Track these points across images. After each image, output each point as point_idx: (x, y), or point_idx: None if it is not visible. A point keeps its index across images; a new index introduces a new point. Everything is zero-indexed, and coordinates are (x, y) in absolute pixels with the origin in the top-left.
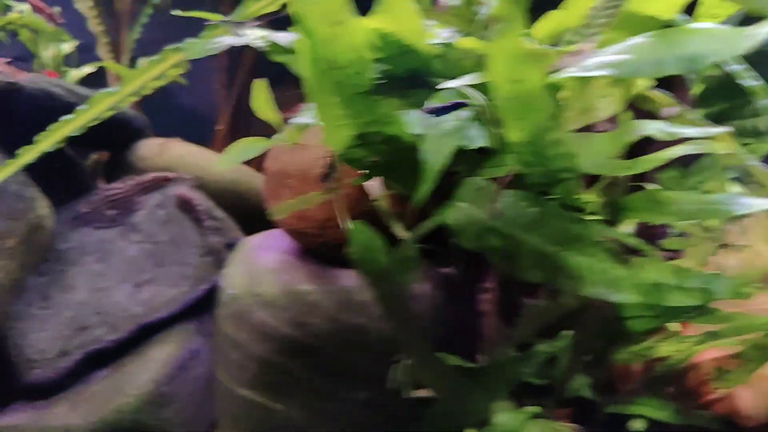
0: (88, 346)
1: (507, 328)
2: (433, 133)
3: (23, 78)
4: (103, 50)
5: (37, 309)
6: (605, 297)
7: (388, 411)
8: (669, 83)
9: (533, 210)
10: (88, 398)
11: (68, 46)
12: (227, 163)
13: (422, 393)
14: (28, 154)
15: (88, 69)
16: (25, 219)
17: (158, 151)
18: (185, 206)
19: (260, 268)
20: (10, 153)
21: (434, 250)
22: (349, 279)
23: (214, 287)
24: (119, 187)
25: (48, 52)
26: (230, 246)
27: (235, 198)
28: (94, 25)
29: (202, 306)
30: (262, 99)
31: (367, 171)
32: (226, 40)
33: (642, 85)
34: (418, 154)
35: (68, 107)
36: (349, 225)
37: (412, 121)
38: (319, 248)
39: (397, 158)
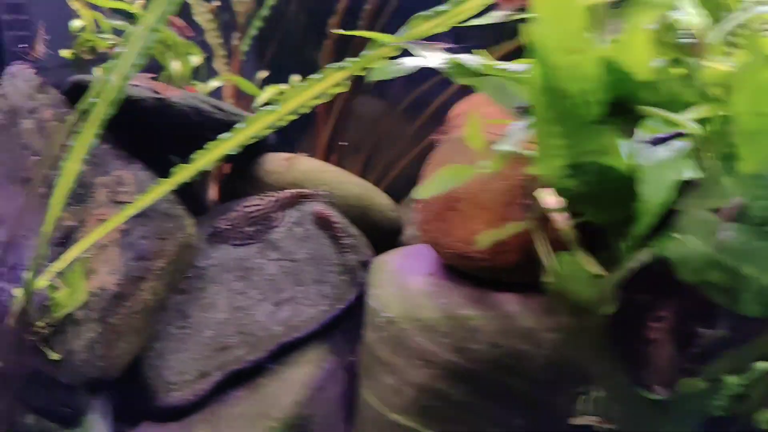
0: (227, 366)
1: (690, 358)
2: (654, 165)
3: (173, 94)
4: (219, 63)
5: (176, 328)
6: None
7: None
8: None
9: (759, 244)
10: (229, 421)
11: (197, 60)
12: (430, 192)
13: (585, 420)
14: (184, 173)
15: (215, 83)
16: (175, 238)
17: (286, 165)
18: (323, 223)
19: (415, 291)
20: (158, 168)
21: None
22: (510, 304)
23: (350, 306)
24: (258, 203)
25: (177, 66)
26: (363, 264)
27: (359, 213)
28: (212, 38)
29: (333, 324)
30: (476, 130)
31: (569, 200)
32: (409, 61)
33: None
34: (635, 185)
35: (216, 124)
36: (549, 254)
37: (629, 152)
38: (482, 272)
39: (607, 189)
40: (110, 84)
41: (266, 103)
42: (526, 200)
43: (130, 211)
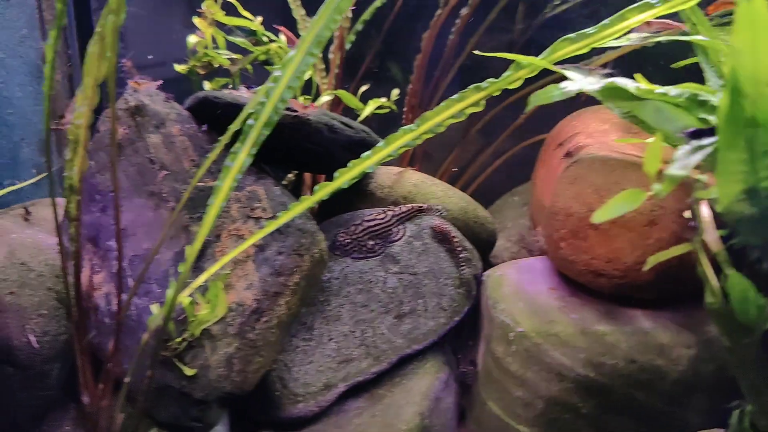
0: (351, 378)
1: None
2: None
3: (309, 111)
4: (318, 77)
5: (301, 341)
6: None
7: None
8: None
9: None
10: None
11: (308, 74)
12: (607, 216)
13: None
14: (326, 189)
15: (326, 98)
16: (310, 254)
17: (396, 179)
18: (441, 237)
19: (545, 306)
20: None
21: None
22: (643, 320)
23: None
24: (379, 217)
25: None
26: (477, 277)
27: (462, 225)
28: None
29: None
30: (654, 154)
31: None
32: (571, 85)
33: None
34: None
35: (346, 140)
36: (712, 275)
37: None
38: (613, 289)
39: None
40: (267, 105)
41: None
42: (691, 222)
43: (272, 227)
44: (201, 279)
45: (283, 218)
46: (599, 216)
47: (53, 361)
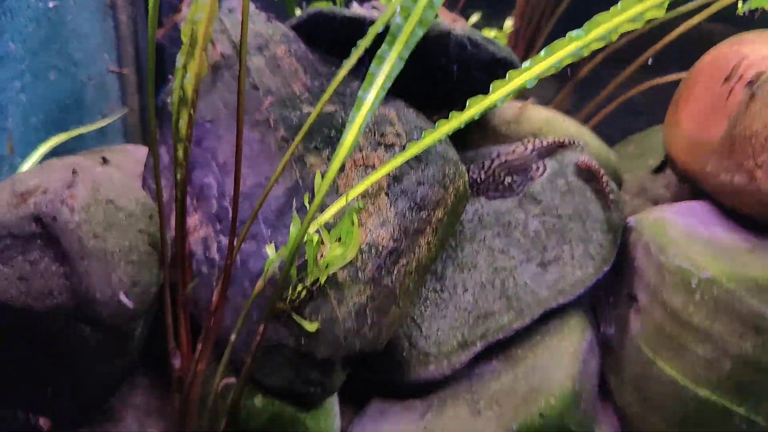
0: (492, 335)
1: None
2: None
3: (458, 25)
4: None
5: (432, 292)
6: None
7: None
8: None
9: None
10: (493, 398)
11: None
12: None
13: None
14: (472, 110)
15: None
16: (454, 185)
17: (520, 114)
18: (588, 176)
19: (732, 248)
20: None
21: None
22: None
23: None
24: (515, 151)
25: None
26: (625, 222)
27: None
28: None
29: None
30: None
31: None
32: None
33: None
34: None
35: (490, 59)
36: None
37: None
38: None
39: None
40: (412, 15)
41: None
42: None
43: (414, 150)
44: (327, 214)
45: (426, 141)
46: None
47: (138, 318)
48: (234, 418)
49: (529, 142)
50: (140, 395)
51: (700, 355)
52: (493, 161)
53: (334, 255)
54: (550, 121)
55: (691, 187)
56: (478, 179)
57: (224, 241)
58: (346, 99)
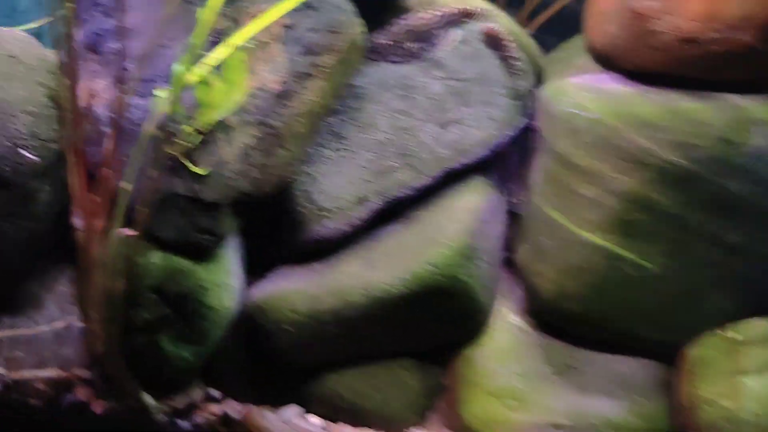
0: (389, 192)
1: None
2: None
3: None
4: None
5: (331, 150)
6: None
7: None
8: None
9: None
10: (388, 253)
11: None
12: None
13: None
14: None
15: None
16: (346, 33)
17: None
18: (494, 42)
19: (620, 91)
20: None
21: None
22: (739, 98)
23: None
24: (421, 18)
25: None
26: (532, 93)
27: None
28: None
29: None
30: None
31: None
32: None
33: None
34: None
35: None
36: None
37: None
38: (713, 62)
39: None
40: None
41: None
42: None
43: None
44: (215, 59)
45: None
46: None
47: (42, 177)
48: (132, 275)
49: (435, 9)
50: (63, 284)
51: (586, 197)
52: (398, 26)
53: (220, 95)
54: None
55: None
56: (384, 44)
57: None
58: None
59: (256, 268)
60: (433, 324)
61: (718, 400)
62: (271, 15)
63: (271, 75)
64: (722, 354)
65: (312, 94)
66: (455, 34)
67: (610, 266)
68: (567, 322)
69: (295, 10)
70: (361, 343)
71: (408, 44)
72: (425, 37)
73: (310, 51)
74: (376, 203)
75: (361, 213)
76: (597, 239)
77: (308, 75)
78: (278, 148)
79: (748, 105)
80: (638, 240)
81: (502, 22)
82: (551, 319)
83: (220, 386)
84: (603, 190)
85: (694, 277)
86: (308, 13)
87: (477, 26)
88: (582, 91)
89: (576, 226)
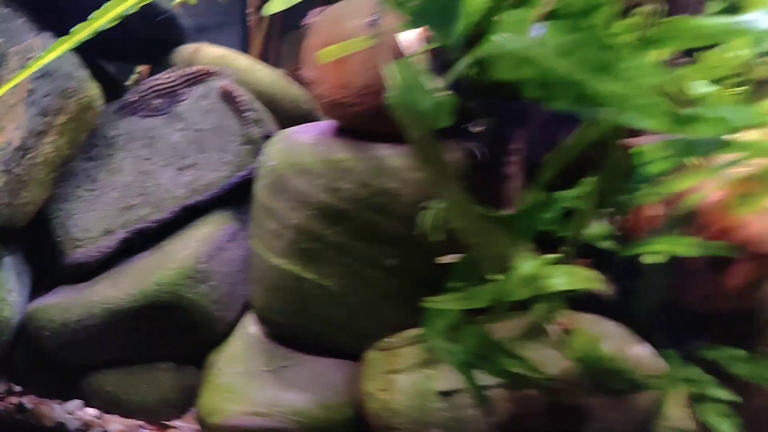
0: (132, 224)
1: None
2: None
3: None
4: None
5: (84, 191)
6: (635, 124)
7: (416, 277)
8: None
9: (567, 38)
10: (130, 274)
11: None
12: (276, 8)
13: (448, 259)
14: (84, 32)
15: None
16: (77, 97)
17: (193, 54)
18: (227, 97)
19: (299, 142)
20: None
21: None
22: (382, 149)
23: (253, 175)
24: (165, 77)
25: None
26: (268, 137)
27: (269, 101)
28: None
29: (240, 194)
30: None
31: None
32: None
33: None
34: None
35: None
36: (390, 67)
37: None
38: (357, 119)
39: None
40: None
41: None
42: (372, 19)
43: (33, 67)
44: None
45: (43, 59)
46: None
47: None
48: None
49: (178, 70)
50: None
51: (270, 229)
52: (144, 86)
53: None
54: (223, 58)
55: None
56: (132, 100)
57: None
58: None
59: (41, 286)
60: (171, 333)
61: (378, 394)
62: (14, 81)
63: (16, 131)
64: (383, 356)
65: (48, 147)
66: (195, 91)
67: (298, 286)
68: (277, 330)
69: (36, 77)
70: (116, 347)
71: (154, 100)
72: (169, 93)
73: (46, 112)
74: (121, 234)
75: (109, 242)
76: (284, 264)
77: (44, 132)
78: (22, 191)
79: (387, 154)
80: (316, 264)
81: (266, 79)
82: (267, 328)
83: (22, 382)
84: (281, 224)
85: (366, 294)
86: (45, 80)
87: (215, 84)
88: (277, 144)
89: (269, 254)
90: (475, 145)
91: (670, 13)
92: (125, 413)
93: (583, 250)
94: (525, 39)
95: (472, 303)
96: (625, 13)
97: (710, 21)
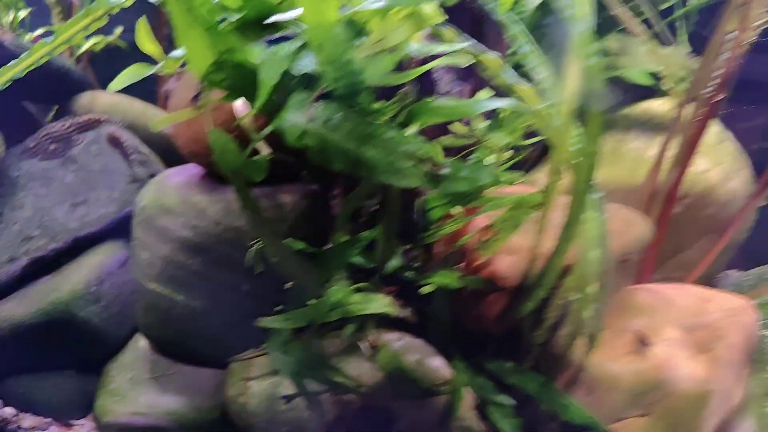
0: (32, 253)
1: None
2: (269, 59)
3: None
4: (56, 18)
5: None
6: (395, 183)
7: (267, 300)
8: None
9: (338, 115)
10: (31, 296)
11: (23, 13)
12: (118, 86)
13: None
14: None
15: (39, 32)
16: None
17: (90, 100)
18: (114, 142)
19: (166, 185)
20: None
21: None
22: (231, 192)
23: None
24: (60, 125)
25: (7, 18)
26: (153, 176)
27: (163, 141)
28: None
29: (128, 227)
30: (144, 35)
31: (227, 92)
32: None
33: (432, 21)
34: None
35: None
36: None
37: (256, 51)
38: (210, 167)
39: (246, 80)
40: None
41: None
42: (196, 93)
43: None
44: None
45: None
46: (113, 85)
47: None
48: None
49: (71, 119)
50: None
51: (145, 259)
52: (41, 133)
53: None
54: (118, 105)
55: None
56: (31, 146)
57: None
58: None
59: None
60: (70, 346)
61: (237, 398)
62: None
63: None
64: (241, 366)
65: None
66: (87, 136)
67: (170, 307)
68: (158, 345)
69: None
70: (25, 357)
71: (50, 146)
72: (63, 140)
73: None
74: (23, 261)
75: (14, 268)
76: (158, 288)
77: None
78: None
79: (233, 197)
80: (184, 288)
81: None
82: (151, 343)
83: None
84: (153, 255)
85: (227, 314)
86: None
87: (104, 130)
88: (152, 185)
89: (145, 280)
90: (312, 189)
91: (420, 93)
92: (37, 412)
93: (389, 280)
94: (305, 115)
95: (294, 323)
96: (387, 95)
97: (445, 102)
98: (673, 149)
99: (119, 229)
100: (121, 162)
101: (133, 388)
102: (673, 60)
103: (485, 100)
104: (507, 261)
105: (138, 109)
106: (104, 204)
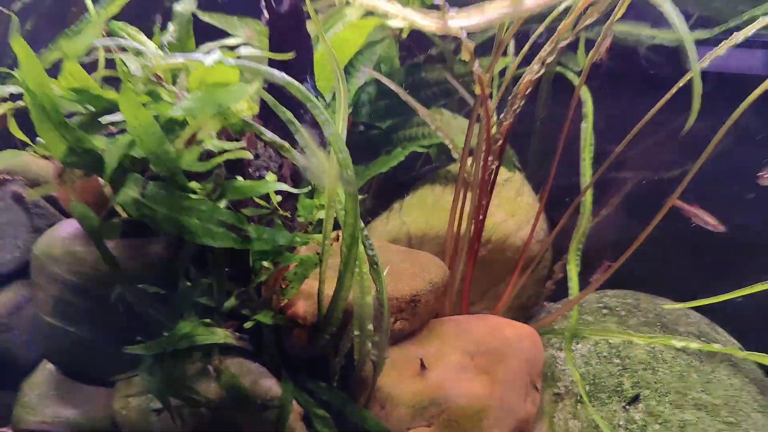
0: None
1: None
2: (110, 147)
3: None
4: None
5: None
6: (212, 244)
7: (138, 331)
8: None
9: (162, 192)
10: None
11: None
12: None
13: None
14: None
15: None
16: None
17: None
18: (18, 198)
19: (55, 237)
20: None
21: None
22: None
23: None
24: None
25: None
26: (50, 226)
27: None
28: None
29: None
30: (13, 128)
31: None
32: None
33: (239, 116)
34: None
35: None
36: (73, 204)
37: (100, 140)
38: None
39: (96, 162)
40: None
41: None
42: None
43: None
44: None
45: None
46: None
47: None
48: None
49: None
50: None
51: (41, 297)
52: None
53: None
54: (27, 164)
55: None
56: None
57: None
58: None
59: None
60: None
61: (121, 411)
62: None
63: None
64: (124, 384)
65: None
66: None
67: (64, 336)
68: (62, 367)
69: None
70: None
71: None
72: None
73: None
74: None
75: None
76: (54, 321)
77: None
78: None
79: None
80: (74, 321)
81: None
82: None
83: None
84: (47, 294)
85: (113, 342)
86: None
87: (10, 187)
88: (46, 236)
89: (44, 314)
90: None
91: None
92: None
93: (231, 315)
94: (138, 191)
95: (152, 350)
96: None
97: (246, 183)
98: (468, 202)
99: (25, 270)
100: (24, 215)
101: (40, 402)
102: (455, 126)
103: (272, 183)
104: (303, 304)
105: (43, 166)
106: (9, 251)
